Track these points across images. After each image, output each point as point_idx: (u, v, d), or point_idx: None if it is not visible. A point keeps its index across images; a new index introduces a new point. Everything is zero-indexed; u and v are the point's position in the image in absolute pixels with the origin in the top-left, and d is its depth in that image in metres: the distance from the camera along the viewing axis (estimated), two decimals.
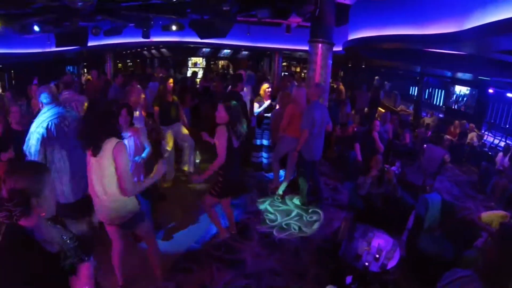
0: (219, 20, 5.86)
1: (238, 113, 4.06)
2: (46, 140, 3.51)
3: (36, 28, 7.44)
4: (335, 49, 6.19)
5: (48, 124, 3.55)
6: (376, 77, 13.83)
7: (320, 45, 5.63)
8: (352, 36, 7.79)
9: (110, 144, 2.90)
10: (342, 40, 8.13)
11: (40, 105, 3.71)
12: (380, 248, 3.90)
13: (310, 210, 5.47)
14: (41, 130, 3.52)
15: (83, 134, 3.00)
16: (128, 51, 16.90)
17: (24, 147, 3.57)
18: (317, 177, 5.64)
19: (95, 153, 2.92)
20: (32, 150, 3.51)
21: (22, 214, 1.60)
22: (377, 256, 3.79)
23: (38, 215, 1.67)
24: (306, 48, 6.07)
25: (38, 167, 1.78)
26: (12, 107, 4.75)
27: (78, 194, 3.71)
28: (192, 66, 18.72)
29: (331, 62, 5.81)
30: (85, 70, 17.50)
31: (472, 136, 10.20)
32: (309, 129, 5.09)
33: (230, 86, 6.21)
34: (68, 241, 1.88)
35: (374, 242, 3.97)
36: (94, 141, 2.91)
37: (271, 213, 5.39)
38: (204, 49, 15.74)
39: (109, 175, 2.97)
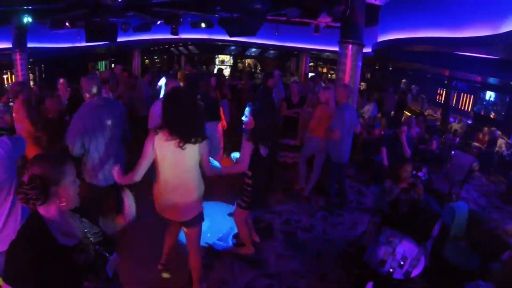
0: (249, 18, 5.85)
1: (266, 120, 3.80)
2: (84, 131, 3.64)
3: (67, 23, 7.62)
4: (364, 50, 6.10)
5: (87, 116, 3.70)
6: (403, 80, 13.58)
7: (350, 46, 5.55)
8: (381, 38, 7.66)
9: None
10: (371, 41, 8.01)
11: (85, 97, 3.86)
12: (405, 255, 3.81)
13: (334, 213, 5.41)
14: (79, 120, 3.67)
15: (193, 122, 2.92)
16: (156, 48, 17.10)
17: (67, 136, 3.71)
18: (343, 180, 5.58)
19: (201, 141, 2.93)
20: (72, 139, 3.64)
21: (37, 198, 1.64)
22: (402, 263, 3.71)
23: (57, 205, 1.71)
24: (334, 48, 6.02)
25: (60, 157, 1.81)
26: (47, 98, 4.86)
27: (109, 180, 3.84)
28: (220, 63, 18.85)
29: (360, 63, 5.73)
30: (113, 65, 17.83)
31: (500, 144, 9.88)
32: (339, 130, 5.04)
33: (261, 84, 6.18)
34: (89, 236, 1.91)
35: (399, 248, 3.88)
36: (191, 135, 2.88)
37: (295, 213, 5.36)
38: (232, 47, 15.80)
39: (192, 167, 3.02)
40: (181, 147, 2.86)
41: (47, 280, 1.60)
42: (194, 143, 2.90)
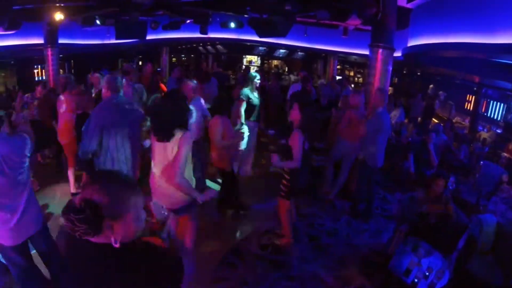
0: (279, 19, 5.83)
1: (312, 114, 4.00)
2: (103, 127, 3.71)
3: (97, 21, 7.78)
4: (394, 54, 5.99)
5: (106, 112, 3.77)
6: (431, 86, 13.28)
7: (380, 50, 5.44)
8: (412, 42, 7.51)
9: (179, 133, 3.04)
10: (401, 45, 7.86)
11: (103, 93, 3.94)
12: (430, 266, 3.73)
13: (359, 218, 5.35)
14: (99, 116, 3.74)
15: (159, 120, 3.10)
16: (184, 46, 17.27)
17: (83, 129, 3.79)
18: (373, 185, 5.49)
19: (168, 139, 3.04)
20: (89, 134, 3.72)
21: (85, 234, 1.33)
22: (427, 273, 3.64)
23: (108, 238, 1.39)
24: (362, 52, 5.93)
25: (128, 184, 1.46)
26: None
27: None
28: (247, 64, 19.01)
29: (391, 68, 5.62)
30: (140, 63, 18.11)
31: None
32: (379, 134, 4.99)
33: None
34: None
35: (425, 259, 3.79)
36: (169, 128, 3.03)
37: (320, 217, 5.33)
38: (260, 48, 15.84)
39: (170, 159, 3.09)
40: (159, 140, 3.10)
41: None
42: (165, 138, 3.06)
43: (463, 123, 13.64)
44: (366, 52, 6.02)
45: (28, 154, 2.93)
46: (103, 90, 3.94)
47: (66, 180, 5.57)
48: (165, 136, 3.05)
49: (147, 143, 4.44)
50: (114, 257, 1.40)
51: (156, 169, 3.24)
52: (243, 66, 17.36)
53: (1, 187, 2.78)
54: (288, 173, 4.03)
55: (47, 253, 3.22)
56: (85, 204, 1.31)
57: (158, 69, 14.33)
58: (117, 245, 1.38)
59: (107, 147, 3.76)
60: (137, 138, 4.08)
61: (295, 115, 3.91)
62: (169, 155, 3.08)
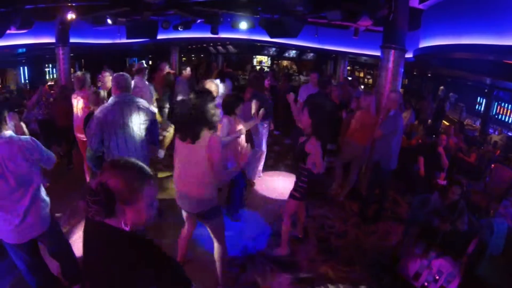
0: (290, 20, 5.83)
1: (323, 117, 3.88)
2: (104, 125, 3.71)
3: (109, 20, 7.84)
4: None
5: (108, 110, 3.75)
6: (441, 87, 13.15)
7: (392, 51, 5.42)
8: (424, 43, 7.45)
9: (207, 134, 3.00)
10: (412, 46, 7.80)
11: (113, 92, 3.96)
12: (440, 269, 3.71)
13: (368, 220, 5.32)
14: (101, 115, 3.73)
15: (187, 121, 3.00)
16: (193, 46, 17.29)
17: (86, 128, 3.78)
18: (387, 188, 5.45)
19: (194, 141, 2.99)
20: (91, 132, 3.75)
21: (97, 214, 1.41)
22: (437, 277, 3.62)
23: (119, 222, 1.45)
24: (372, 53, 5.88)
25: (140, 174, 1.48)
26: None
27: None
28: (257, 64, 19.04)
29: (402, 69, 5.59)
30: (150, 62, 18.17)
31: None
32: (394, 135, 4.97)
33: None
34: None
35: (435, 262, 3.77)
36: (197, 129, 2.98)
37: (329, 218, 5.32)
38: (270, 48, 15.82)
39: (201, 163, 3.05)
40: (187, 142, 3.03)
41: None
42: (192, 139, 3.00)
43: (474, 125, 13.48)
44: (377, 53, 5.99)
45: (35, 156, 2.87)
46: (112, 89, 3.93)
47: (77, 177, 5.63)
48: (191, 137, 2.99)
49: (161, 154, 4.43)
50: (120, 240, 1.45)
51: (180, 171, 3.19)
52: (257, 67, 17.38)
53: (1, 190, 2.76)
54: (307, 175, 3.92)
55: (56, 251, 3.25)
56: (100, 188, 1.39)
57: (173, 71, 14.41)
58: (128, 228, 1.45)
59: (108, 146, 3.78)
60: (146, 140, 4.02)
61: (304, 120, 3.84)
62: (197, 157, 3.03)
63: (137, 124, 3.86)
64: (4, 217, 2.82)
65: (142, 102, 3.97)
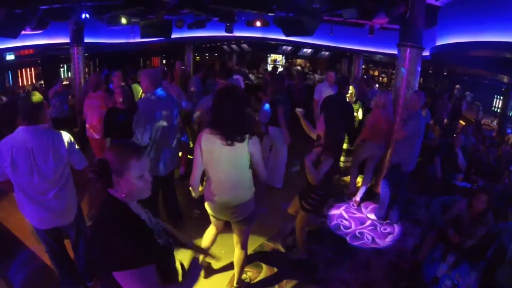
0: (306, 18, 5.75)
1: (339, 132, 3.69)
2: (151, 120, 3.89)
3: (123, 20, 7.85)
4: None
5: (154, 107, 3.94)
6: (457, 86, 12.92)
7: (409, 49, 5.31)
8: (441, 41, 7.32)
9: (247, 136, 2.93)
10: (429, 44, 7.67)
11: (144, 90, 4.15)
12: (460, 274, 3.62)
13: (384, 221, 5.25)
14: (148, 111, 3.90)
15: (234, 123, 2.86)
16: (207, 45, 17.30)
17: (133, 124, 3.92)
18: (404, 190, 5.34)
19: (234, 143, 2.86)
20: (140, 129, 3.88)
21: (98, 181, 1.69)
22: (456, 282, 3.53)
23: (117, 191, 1.71)
24: (388, 51, 5.77)
25: (129, 150, 1.75)
26: (116, 88, 5.20)
27: (169, 169, 4.21)
28: (272, 62, 19.04)
29: (420, 68, 5.48)
30: (164, 61, 18.22)
31: None
32: (416, 136, 4.86)
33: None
34: (156, 223, 1.94)
35: (454, 267, 3.68)
36: (240, 132, 2.87)
37: (345, 219, 5.25)
38: (284, 47, 15.74)
39: (242, 165, 2.99)
40: (229, 144, 2.85)
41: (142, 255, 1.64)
42: (240, 141, 2.87)
43: (491, 125, 13.22)
44: (392, 51, 5.88)
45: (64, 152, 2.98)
46: (144, 85, 4.07)
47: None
48: (238, 139, 2.88)
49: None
50: (111, 205, 1.73)
51: (227, 178, 3.02)
52: (276, 66, 17.29)
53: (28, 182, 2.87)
54: (320, 187, 3.66)
55: (75, 242, 3.39)
56: (99, 161, 1.70)
57: (183, 67, 14.43)
58: (123, 196, 1.71)
59: (154, 139, 3.96)
60: (177, 129, 4.32)
61: (320, 127, 3.67)
62: (238, 157, 2.94)
63: (174, 116, 4.18)
64: (31, 206, 2.99)
65: (170, 97, 4.25)
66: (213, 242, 3.57)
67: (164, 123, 3.99)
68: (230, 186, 3.02)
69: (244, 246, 3.34)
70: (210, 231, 3.52)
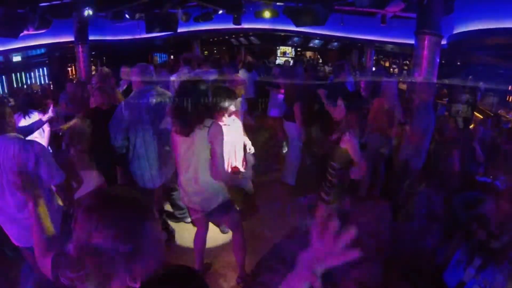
0: (317, 7, 5.52)
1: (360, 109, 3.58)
2: (129, 123, 3.56)
3: (127, 15, 7.71)
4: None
5: (134, 106, 3.60)
6: (470, 77, 12.62)
7: (427, 37, 5.04)
8: (458, 29, 7.03)
9: (204, 125, 2.80)
10: (446, 32, 7.39)
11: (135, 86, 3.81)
12: (487, 279, 3.39)
13: (401, 219, 5.00)
14: (127, 110, 3.59)
15: (178, 114, 2.84)
16: (215, 38, 17.14)
17: (109, 123, 3.63)
18: (416, 186, 5.11)
19: (187, 134, 2.81)
20: (114, 129, 3.59)
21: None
22: (483, 286, 3.30)
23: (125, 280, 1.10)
24: (401, 40, 5.55)
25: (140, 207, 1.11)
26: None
27: (158, 181, 3.77)
28: (281, 55, 18.62)
29: (438, 58, 5.22)
30: (172, 57, 18.08)
31: None
32: (427, 132, 4.65)
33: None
34: None
35: (481, 270, 3.45)
36: (189, 121, 2.80)
37: (361, 216, 5.03)
38: (294, 38, 15.48)
39: (202, 159, 2.88)
40: (183, 135, 2.83)
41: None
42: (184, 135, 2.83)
43: (507, 116, 12.85)
44: (406, 41, 5.67)
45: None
46: (134, 80, 3.77)
47: None
48: (189, 130, 2.82)
49: None
50: None
51: (186, 169, 3.00)
52: (288, 60, 16.97)
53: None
54: (335, 175, 3.63)
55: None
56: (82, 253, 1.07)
57: None
58: (137, 285, 1.10)
59: (134, 144, 3.60)
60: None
61: (339, 112, 3.51)
62: (196, 148, 2.86)
63: (162, 119, 3.78)
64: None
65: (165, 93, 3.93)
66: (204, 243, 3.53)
67: (145, 127, 3.59)
68: (191, 175, 3.01)
69: (237, 235, 3.34)
70: (198, 234, 3.49)
